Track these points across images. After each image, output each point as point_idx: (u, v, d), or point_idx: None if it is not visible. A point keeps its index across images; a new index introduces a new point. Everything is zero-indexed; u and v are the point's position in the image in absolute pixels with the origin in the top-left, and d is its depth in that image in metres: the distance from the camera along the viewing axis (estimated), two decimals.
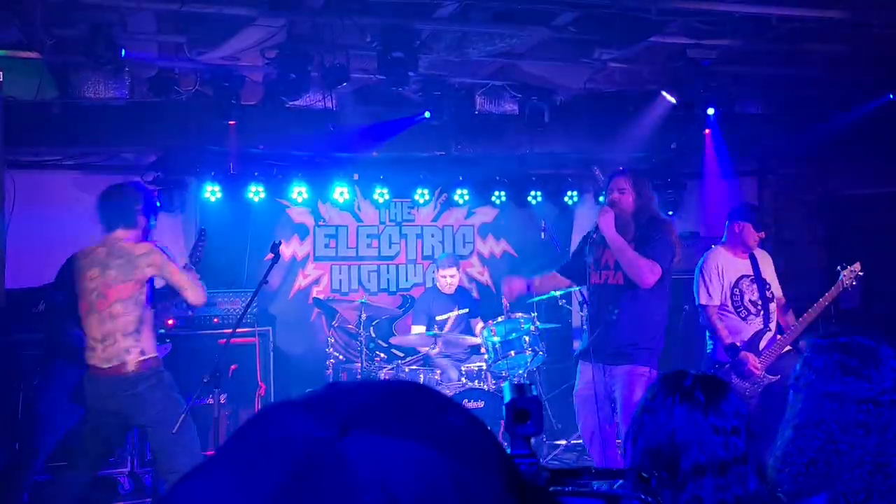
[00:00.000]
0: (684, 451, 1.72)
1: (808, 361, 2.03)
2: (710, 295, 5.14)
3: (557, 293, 6.52)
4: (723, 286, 5.15)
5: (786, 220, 8.03)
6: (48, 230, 6.15)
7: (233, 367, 5.75)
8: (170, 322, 5.71)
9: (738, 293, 5.15)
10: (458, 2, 4.76)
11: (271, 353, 6.40)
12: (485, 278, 7.95)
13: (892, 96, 6.61)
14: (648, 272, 4.37)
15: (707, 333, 5.22)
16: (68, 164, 6.47)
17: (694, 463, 1.70)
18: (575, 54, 5.74)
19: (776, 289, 5.26)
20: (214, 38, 5.15)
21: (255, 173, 6.79)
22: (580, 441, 5.33)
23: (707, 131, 7.02)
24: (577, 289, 5.68)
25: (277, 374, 6.37)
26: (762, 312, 5.11)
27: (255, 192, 6.79)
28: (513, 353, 5.96)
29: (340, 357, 6.59)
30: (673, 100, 6.34)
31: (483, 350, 6.22)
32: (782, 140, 7.44)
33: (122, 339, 4.04)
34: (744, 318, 5.12)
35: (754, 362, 4.92)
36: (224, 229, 6.92)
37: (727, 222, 5.30)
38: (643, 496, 0.73)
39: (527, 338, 5.99)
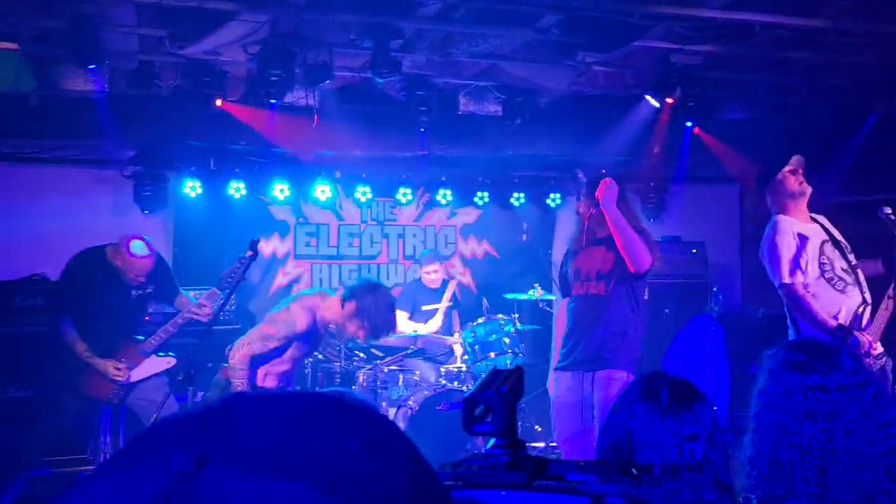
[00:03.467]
0: (639, 449, 1.71)
1: (763, 367, 2.05)
2: (794, 272, 4.20)
3: (537, 296, 6.52)
4: (807, 257, 4.22)
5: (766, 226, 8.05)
6: (23, 223, 6.08)
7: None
8: (146, 318, 5.65)
9: (826, 261, 4.23)
10: (442, 1, 4.75)
11: None
12: (466, 279, 7.93)
13: (876, 114, 6.60)
14: (646, 253, 4.29)
15: (788, 320, 4.35)
16: (46, 157, 6.39)
17: (646, 462, 1.69)
18: (559, 57, 5.74)
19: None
20: (196, 33, 5.10)
21: (236, 170, 6.73)
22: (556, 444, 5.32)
23: (696, 131, 6.97)
24: (559, 298, 5.66)
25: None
26: (856, 281, 4.21)
27: (236, 189, 6.74)
28: (493, 354, 5.95)
29: (319, 356, 6.54)
30: (657, 104, 6.35)
31: (462, 351, 6.21)
32: (765, 146, 7.48)
33: None
34: (841, 291, 4.20)
35: (867, 341, 4.06)
36: (203, 226, 6.86)
37: (767, 192, 4.48)
38: (631, 492, 0.71)
39: (507, 339, 5.99)
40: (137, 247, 4.90)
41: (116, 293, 4.90)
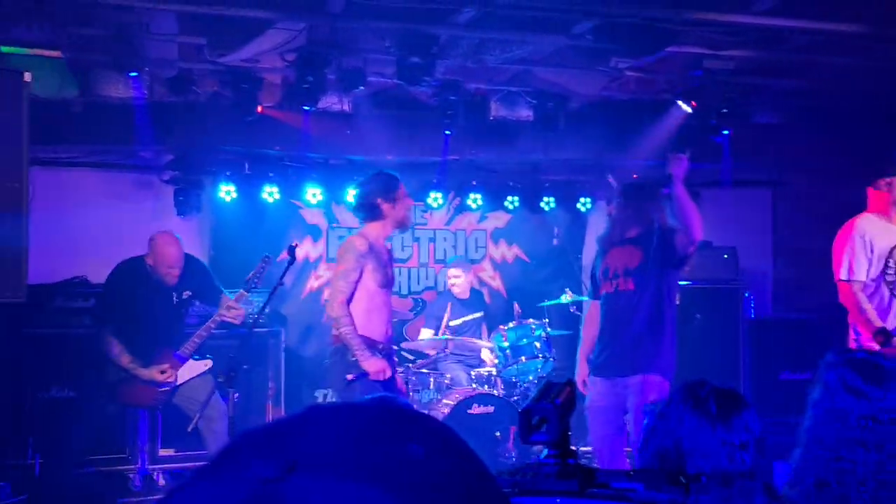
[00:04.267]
0: (689, 458, 1.73)
1: (818, 377, 2.03)
2: (851, 269, 4.36)
3: (568, 300, 6.54)
4: (871, 259, 4.35)
5: (800, 231, 8.00)
6: (66, 227, 6.22)
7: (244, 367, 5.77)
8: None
9: (892, 265, 4.35)
10: (476, 8, 4.79)
11: (282, 354, 6.42)
12: (496, 283, 7.96)
13: None
14: (700, 227, 4.37)
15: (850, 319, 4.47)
16: (86, 162, 6.53)
17: (697, 471, 1.72)
18: (591, 62, 5.76)
19: None
20: (234, 41, 5.20)
21: (270, 174, 6.83)
22: (589, 448, 5.33)
23: (726, 132, 6.89)
24: (588, 299, 5.67)
25: (288, 374, 6.40)
26: None
27: (270, 193, 6.83)
28: (523, 358, 5.98)
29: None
30: (689, 109, 6.35)
31: (493, 355, 6.24)
32: (798, 151, 7.43)
33: None
34: (889, 297, 4.33)
35: None
36: (238, 229, 6.96)
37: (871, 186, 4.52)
38: (678, 500, 0.75)
39: (538, 344, 6.01)
40: (163, 238, 5.03)
41: (158, 300, 5.01)
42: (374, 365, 4.37)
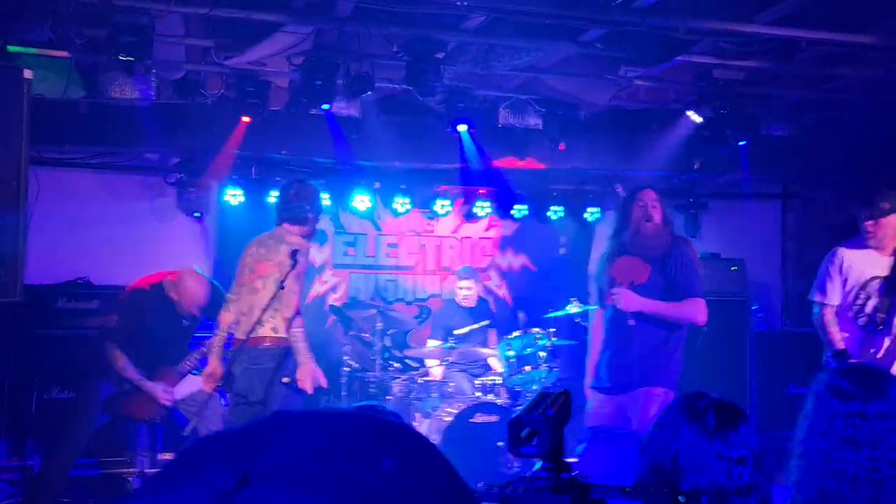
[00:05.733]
0: (684, 472, 1.68)
1: (812, 391, 2.01)
2: (824, 292, 4.65)
3: (574, 310, 6.49)
4: (845, 285, 4.60)
5: (809, 244, 7.94)
6: (69, 228, 6.20)
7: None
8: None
9: (863, 296, 4.58)
10: (486, 14, 4.77)
11: None
12: (503, 292, 7.91)
13: None
14: (698, 313, 4.25)
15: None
16: (92, 163, 6.52)
17: (693, 486, 1.67)
18: (601, 71, 5.72)
19: None
20: (242, 44, 5.18)
21: (277, 178, 6.80)
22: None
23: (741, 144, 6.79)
24: (594, 307, 5.61)
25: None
26: (887, 323, 4.49)
27: (276, 198, 6.80)
28: (528, 368, 5.93)
29: (355, 365, 6.56)
30: (698, 119, 6.30)
31: (500, 364, 6.20)
32: (808, 163, 7.38)
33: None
34: (862, 327, 4.56)
35: None
36: (244, 233, 6.92)
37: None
38: None
39: (542, 353, 5.96)
40: (192, 278, 5.02)
41: (169, 324, 5.02)
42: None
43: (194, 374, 5.16)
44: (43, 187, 5.35)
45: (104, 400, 4.84)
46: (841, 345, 4.54)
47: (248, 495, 0.50)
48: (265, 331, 4.32)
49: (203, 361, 5.12)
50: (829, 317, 4.67)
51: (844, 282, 4.65)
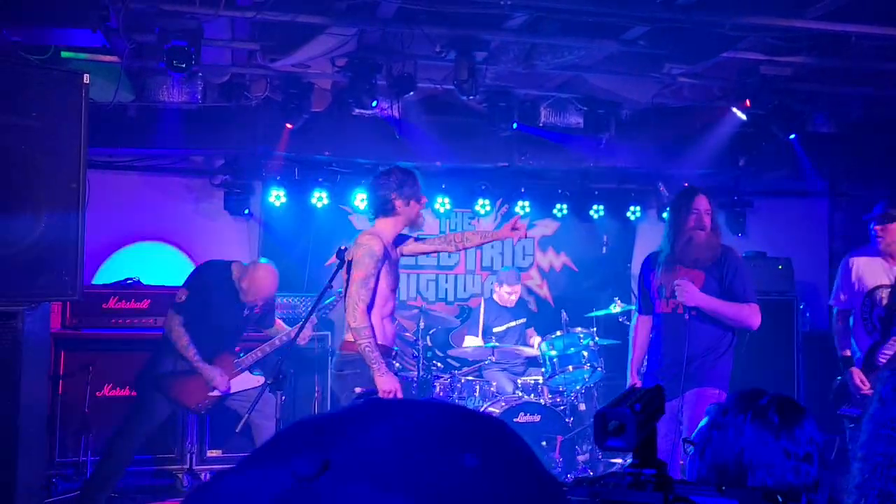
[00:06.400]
0: (751, 471, 1.66)
1: (877, 392, 1.97)
2: (837, 298, 4.90)
3: (617, 310, 6.45)
4: (853, 292, 4.81)
5: (856, 242, 7.79)
6: (119, 230, 6.32)
7: (291, 371, 5.78)
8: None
9: (868, 303, 4.75)
10: (528, 13, 4.76)
11: (329, 358, 6.44)
12: (544, 292, 7.89)
13: None
14: (753, 317, 4.25)
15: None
16: (139, 166, 6.64)
17: (761, 485, 1.65)
18: (643, 68, 5.67)
19: None
20: (287, 46, 5.24)
21: (320, 179, 6.87)
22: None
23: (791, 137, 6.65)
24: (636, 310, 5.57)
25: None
26: (885, 326, 4.63)
27: (319, 198, 6.88)
28: (571, 368, 5.90)
29: (397, 365, 6.59)
30: (743, 116, 6.22)
31: (540, 363, 6.18)
32: (856, 161, 7.25)
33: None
34: (869, 333, 4.72)
35: (858, 378, 4.61)
36: (287, 233, 7.01)
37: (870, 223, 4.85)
38: None
39: (585, 353, 5.93)
40: (266, 269, 5.05)
41: (232, 308, 5.04)
42: (388, 383, 4.05)
43: (252, 374, 5.18)
44: (93, 190, 5.47)
45: (157, 375, 4.87)
46: (847, 352, 4.77)
47: (325, 483, 0.51)
48: (347, 336, 4.26)
49: (264, 360, 5.16)
50: (841, 322, 4.90)
51: (855, 288, 4.81)
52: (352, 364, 4.17)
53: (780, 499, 0.76)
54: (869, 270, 4.78)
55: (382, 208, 4.32)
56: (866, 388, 4.57)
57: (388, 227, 4.35)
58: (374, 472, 0.52)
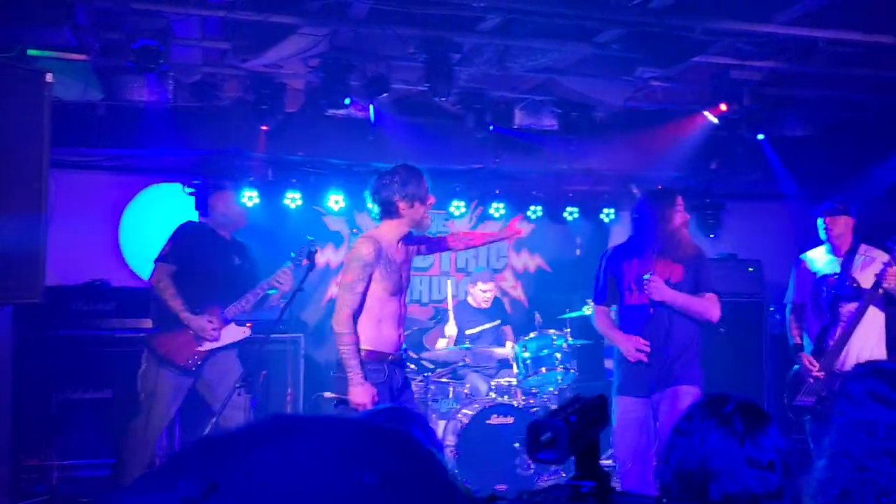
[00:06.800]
0: (714, 479, 1.66)
1: (844, 389, 1.98)
2: (790, 295, 5.24)
3: (590, 311, 6.46)
4: (805, 287, 5.15)
5: None
6: (86, 230, 6.25)
7: (263, 373, 5.76)
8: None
9: (817, 290, 5.08)
10: (502, 15, 4.76)
11: (301, 360, 6.41)
12: (518, 293, 7.90)
13: None
14: (714, 308, 4.42)
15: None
16: (108, 166, 6.56)
17: (724, 493, 1.64)
18: (617, 72, 5.69)
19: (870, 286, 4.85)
20: (258, 46, 5.20)
21: (293, 180, 6.82)
22: (609, 462, 5.25)
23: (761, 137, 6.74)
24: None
25: (307, 380, 6.38)
26: (832, 309, 4.97)
27: (292, 199, 6.83)
28: (544, 369, 5.91)
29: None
30: (715, 120, 6.26)
31: (513, 365, 6.18)
32: (826, 164, 7.31)
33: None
34: (818, 317, 5.05)
35: (807, 360, 4.94)
36: (259, 235, 6.95)
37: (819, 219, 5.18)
38: None
39: (558, 355, 5.94)
40: (225, 193, 5.36)
41: (218, 256, 5.11)
42: (359, 395, 3.94)
43: (237, 325, 5.14)
44: (61, 189, 5.40)
45: (143, 337, 4.86)
46: (797, 340, 5.13)
47: None
48: None
49: (254, 312, 5.19)
50: (792, 315, 5.22)
51: (803, 281, 5.16)
52: (341, 367, 4.08)
53: None
54: (818, 261, 5.13)
55: (385, 210, 4.17)
56: (816, 369, 4.87)
57: (390, 229, 4.21)
58: (264, 494, 0.50)
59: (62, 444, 5.26)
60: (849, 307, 4.89)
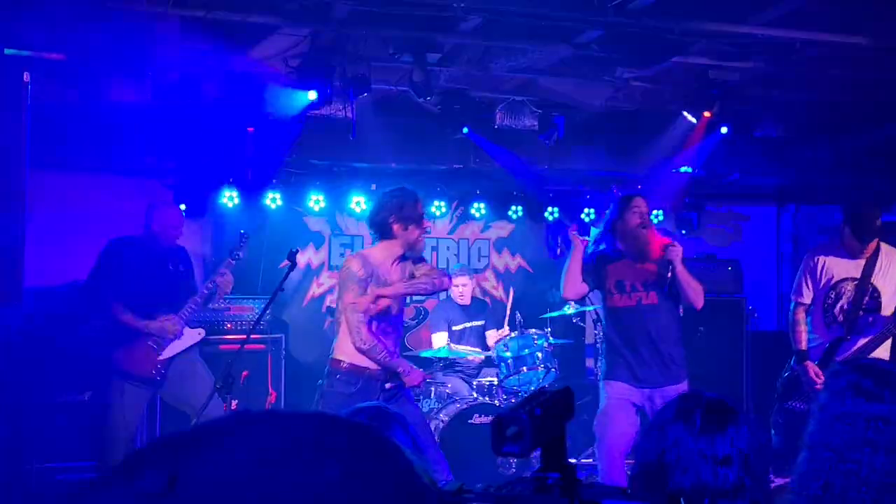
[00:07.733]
0: (671, 472, 1.67)
1: (826, 384, 1.99)
2: (800, 292, 4.92)
3: (571, 311, 6.49)
4: (818, 287, 4.84)
5: (804, 244, 7.96)
6: (67, 230, 6.19)
7: (244, 373, 5.74)
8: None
9: (832, 295, 4.81)
10: (482, 16, 4.77)
11: (283, 361, 6.39)
12: (499, 293, 7.92)
13: None
14: (702, 295, 4.48)
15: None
16: (89, 166, 6.51)
17: (677, 486, 1.65)
18: (597, 72, 5.73)
19: (889, 296, 4.73)
20: (239, 46, 5.18)
21: (273, 181, 6.81)
22: (590, 461, 5.28)
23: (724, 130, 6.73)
24: (592, 308, 5.63)
25: (289, 381, 6.36)
26: (849, 321, 4.73)
27: (273, 200, 6.82)
28: (525, 369, 5.94)
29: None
30: (694, 120, 6.32)
31: (495, 364, 6.20)
32: (804, 164, 7.39)
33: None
34: (828, 325, 4.82)
35: (813, 371, 4.73)
36: (239, 235, 6.93)
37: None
38: None
39: (539, 354, 5.97)
40: (163, 204, 5.32)
41: (154, 265, 5.08)
42: (413, 380, 4.28)
43: (191, 329, 5.15)
44: (41, 190, 5.37)
45: (106, 361, 4.84)
46: (804, 345, 4.85)
47: (173, 500, 0.49)
48: (335, 354, 4.38)
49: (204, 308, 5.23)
50: (800, 315, 4.93)
51: (820, 284, 4.85)
52: (330, 375, 4.29)
53: (682, 501, 0.77)
54: (836, 265, 4.82)
55: (380, 230, 4.31)
56: (821, 381, 4.54)
57: (384, 249, 4.33)
58: (225, 488, 0.51)
59: (37, 447, 5.21)
60: (865, 319, 4.69)
